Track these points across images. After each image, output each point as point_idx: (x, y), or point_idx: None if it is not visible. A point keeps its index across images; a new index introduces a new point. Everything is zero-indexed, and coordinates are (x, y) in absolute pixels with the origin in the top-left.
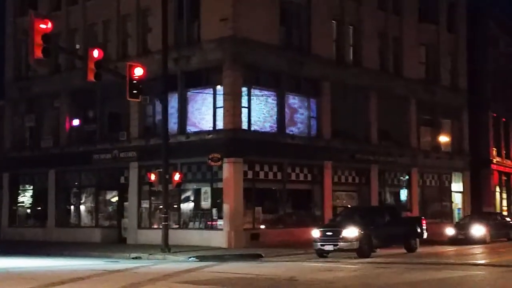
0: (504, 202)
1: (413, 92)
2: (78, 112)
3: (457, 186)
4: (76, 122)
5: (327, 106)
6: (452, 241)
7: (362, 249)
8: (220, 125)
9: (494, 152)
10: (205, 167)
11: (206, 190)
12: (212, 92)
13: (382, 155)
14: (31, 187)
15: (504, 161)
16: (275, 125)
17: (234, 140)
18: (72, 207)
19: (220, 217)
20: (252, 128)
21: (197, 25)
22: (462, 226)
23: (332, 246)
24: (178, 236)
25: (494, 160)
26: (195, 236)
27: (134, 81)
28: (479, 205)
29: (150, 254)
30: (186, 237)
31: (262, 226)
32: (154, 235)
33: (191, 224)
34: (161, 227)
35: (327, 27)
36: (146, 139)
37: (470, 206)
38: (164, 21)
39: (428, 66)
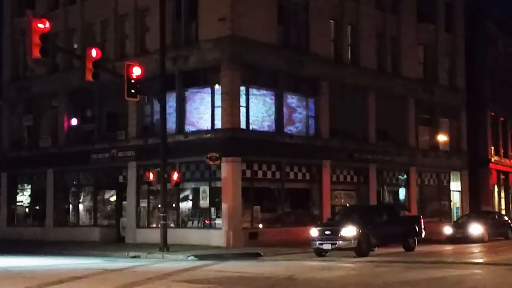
0: (503, 201)
1: (412, 91)
2: (76, 111)
3: (455, 185)
4: (74, 121)
5: (326, 105)
6: (450, 240)
7: (361, 248)
8: (218, 124)
9: (492, 151)
10: (203, 166)
11: (204, 189)
12: (210, 91)
13: (381, 154)
14: (30, 187)
15: (502, 160)
16: (274, 125)
17: (233, 139)
18: (70, 206)
19: (218, 216)
20: (251, 128)
21: (195, 24)
22: (460, 225)
23: (330, 245)
24: (176, 235)
25: (492, 159)
26: (193, 235)
27: (132, 81)
28: (477, 204)
29: (149, 253)
30: (184, 236)
31: (261, 225)
32: (152, 234)
33: (189, 223)
34: (159, 226)
35: (325, 26)
36: (144, 139)
37: (469, 205)
38: (162, 21)
39: (426, 66)
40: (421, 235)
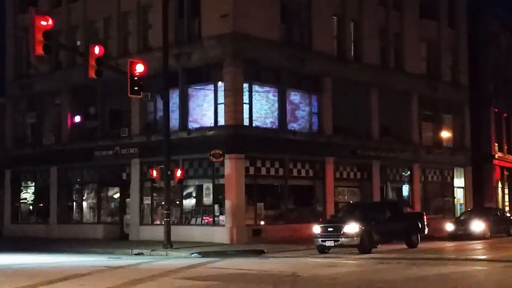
0: (506, 197)
1: (415, 87)
2: (80, 109)
3: (459, 181)
4: (77, 119)
5: (328, 102)
6: (452, 236)
7: (363, 245)
8: (221, 121)
9: (496, 148)
10: (206, 163)
11: (208, 186)
12: (213, 88)
13: (384, 151)
14: (33, 184)
15: (506, 156)
16: (277, 121)
17: (236, 136)
18: (74, 203)
19: (222, 213)
20: (254, 124)
21: (198, 21)
22: (462, 222)
23: (333, 242)
24: (180, 232)
25: (496, 156)
26: (197, 232)
27: (135, 78)
28: (481, 200)
29: (152, 250)
30: (188, 233)
31: (262, 222)
32: (156, 231)
33: (193, 220)
34: (163, 223)
35: (327, 23)
36: (148, 136)
37: (472, 202)
38: (164, 18)
39: (429, 62)
40: (424, 232)
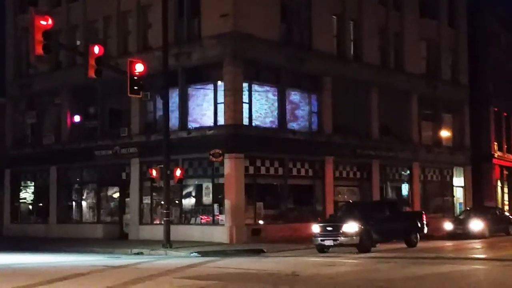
0: (506, 196)
1: (414, 87)
2: (79, 108)
3: (458, 180)
4: (77, 118)
5: (328, 101)
6: (451, 236)
7: (363, 244)
8: (221, 120)
9: (496, 147)
10: (206, 163)
11: (207, 185)
12: (213, 88)
13: (384, 150)
14: (33, 184)
15: (506, 156)
16: (276, 121)
17: (235, 135)
18: (73, 203)
19: (221, 213)
20: (253, 124)
21: (198, 21)
22: (460, 221)
23: (332, 241)
24: (179, 231)
25: (496, 155)
26: (196, 231)
27: (135, 77)
28: (480, 199)
29: (152, 250)
30: (187, 232)
31: (261, 222)
32: (155, 231)
33: (192, 220)
34: (162, 222)
35: (327, 22)
36: (147, 135)
37: (472, 201)
38: (164, 17)
39: (429, 61)
40: (423, 231)
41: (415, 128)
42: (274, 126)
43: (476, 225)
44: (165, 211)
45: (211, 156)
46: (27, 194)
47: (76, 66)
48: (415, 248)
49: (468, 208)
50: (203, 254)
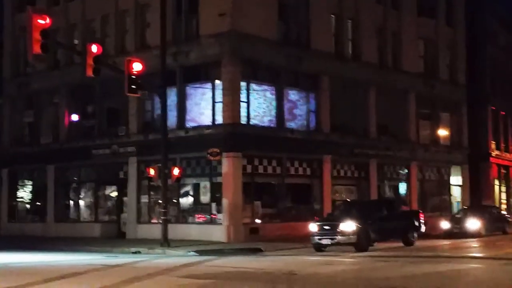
0: (503, 195)
1: (412, 86)
2: (77, 107)
3: (456, 179)
4: (75, 117)
5: (326, 100)
6: (447, 234)
7: (360, 243)
8: (219, 119)
9: (493, 146)
10: (204, 162)
11: (205, 184)
12: (211, 87)
13: (381, 149)
14: (31, 183)
15: (503, 154)
16: (274, 120)
17: (233, 134)
18: (71, 202)
19: (219, 212)
20: (251, 123)
21: (196, 20)
22: (457, 220)
23: (329, 240)
24: (177, 230)
25: (493, 154)
26: (194, 230)
27: (133, 76)
28: (478, 198)
29: (150, 249)
30: (185, 231)
31: (257, 221)
32: (153, 230)
33: (190, 219)
34: (160, 221)
35: (325, 21)
36: (145, 134)
37: (469, 200)
38: (162, 16)
39: (427, 60)
40: (420, 230)
41: (413, 127)
42: (272, 125)
43: (473, 224)
44: (163, 210)
45: (209, 155)
46: (24, 193)
47: (74, 65)
48: (413, 247)
49: (465, 207)
50: (201, 253)
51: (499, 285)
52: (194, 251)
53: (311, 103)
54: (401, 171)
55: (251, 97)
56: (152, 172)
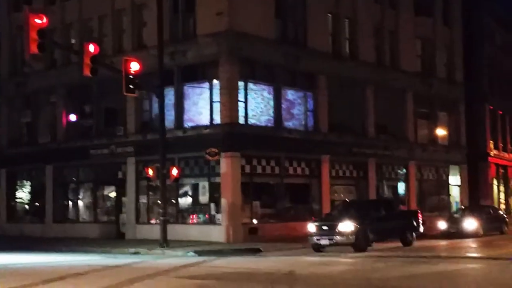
0: (502, 195)
1: (410, 85)
2: (75, 107)
3: (454, 179)
4: (73, 117)
5: (324, 99)
6: (445, 235)
7: (358, 243)
8: (217, 119)
9: (491, 145)
10: (202, 162)
11: (204, 184)
12: (208, 86)
13: (380, 149)
14: (29, 183)
15: (501, 154)
16: (272, 119)
17: (231, 134)
18: (70, 202)
19: (218, 212)
20: (249, 122)
21: (193, 19)
22: (455, 220)
23: (327, 240)
24: (176, 231)
25: (492, 153)
26: (193, 231)
27: (130, 76)
28: (476, 198)
29: (149, 249)
30: (184, 232)
31: (260, 221)
32: (152, 230)
33: (189, 219)
34: (159, 222)
35: (323, 20)
36: (143, 134)
37: (468, 199)
38: (159, 16)
39: (424, 60)
40: (419, 230)
41: (410, 126)
42: (270, 124)
43: (470, 224)
44: (161, 210)
45: (207, 155)
46: (23, 194)
47: (71, 64)
48: (411, 247)
49: (463, 207)
50: (200, 253)
51: (497, 284)
52: (193, 252)
53: (308, 102)
54: (399, 171)
55: (249, 97)
56: (150, 172)
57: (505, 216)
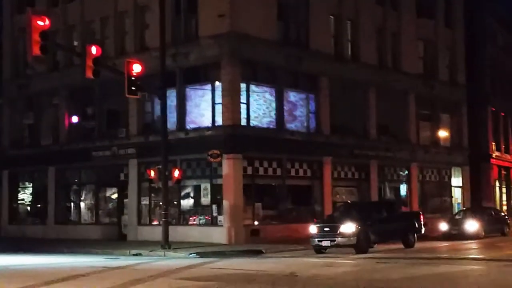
0: (504, 197)
1: (412, 87)
2: (77, 109)
3: (456, 181)
4: (75, 119)
5: (326, 101)
6: (446, 236)
7: (360, 245)
8: (219, 121)
9: (494, 147)
10: (204, 164)
11: (206, 186)
12: (210, 88)
13: (382, 150)
14: (31, 185)
15: (504, 156)
16: (274, 121)
17: (233, 136)
18: (72, 204)
19: (220, 213)
20: (251, 124)
21: (195, 21)
22: (456, 221)
23: (329, 241)
24: (178, 232)
25: (494, 155)
26: (195, 232)
27: (133, 78)
28: (478, 199)
29: (151, 251)
30: (186, 233)
31: (262, 222)
32: (154, 232)
33: (191, 221)
34: (161, 223)
35: (325, 22)
36: (145, 136)
37: (470, 201)
38: (161, 18)
39: (426, 61)
40: (421, 232)
41: (413, 128)
42: (272, 126)
43: (472, 225)
44: (163, 212)
45: (209, 157)
46: (25, 195)
47: (73, 66)
48: (413, 249)
49: (464, 209)
50: (202, 255)
51: (498, 286)
52: (195, 253)
53: (310, 104)
54: (401, 173)
55: (250, 98)
56: (152, 174)
57: (507, 217)
